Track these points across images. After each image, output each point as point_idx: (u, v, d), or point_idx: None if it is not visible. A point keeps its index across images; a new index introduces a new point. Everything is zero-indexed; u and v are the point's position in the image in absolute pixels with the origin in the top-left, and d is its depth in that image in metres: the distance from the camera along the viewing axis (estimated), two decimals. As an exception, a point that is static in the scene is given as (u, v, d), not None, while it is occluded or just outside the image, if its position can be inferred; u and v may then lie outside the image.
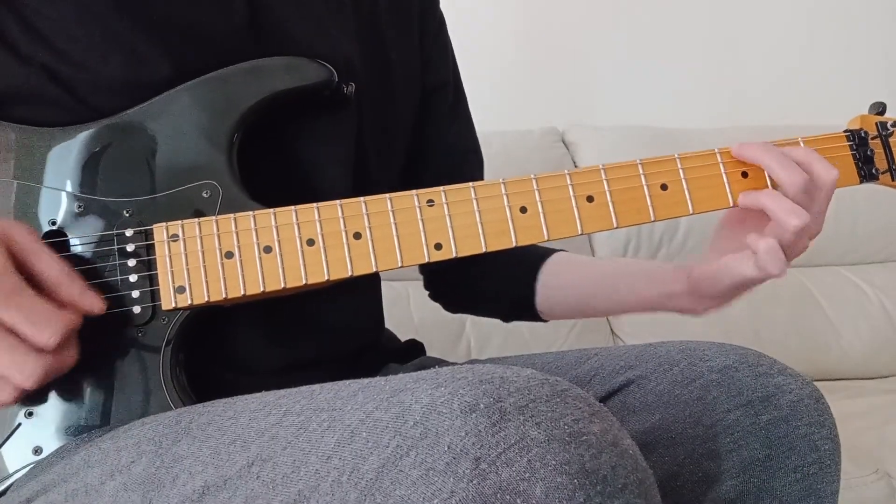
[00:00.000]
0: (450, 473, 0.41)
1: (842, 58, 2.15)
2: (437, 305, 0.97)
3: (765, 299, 1.75)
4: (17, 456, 0.59)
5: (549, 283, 0.85)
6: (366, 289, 0.78)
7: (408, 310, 1.53)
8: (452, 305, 0.97)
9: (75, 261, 0.60)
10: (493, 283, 0.86)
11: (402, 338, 0.88)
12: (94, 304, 0.57)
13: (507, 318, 0.94)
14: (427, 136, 0.86)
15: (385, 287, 0.84)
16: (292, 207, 0.62)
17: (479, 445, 0.41)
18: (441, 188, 0.64)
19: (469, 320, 1.63)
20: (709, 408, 0.63)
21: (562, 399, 0.44)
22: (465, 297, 0.93)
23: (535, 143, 1.80)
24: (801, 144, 0.71)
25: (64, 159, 0.62)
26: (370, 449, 0.44)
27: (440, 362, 0.82)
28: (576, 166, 1.81)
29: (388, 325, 0.87)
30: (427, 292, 0.97)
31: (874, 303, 1.80)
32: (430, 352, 0.88)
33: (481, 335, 1.62)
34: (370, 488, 0.43)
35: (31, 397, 0.59)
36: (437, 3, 0.89)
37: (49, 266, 0.56)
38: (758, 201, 0.68)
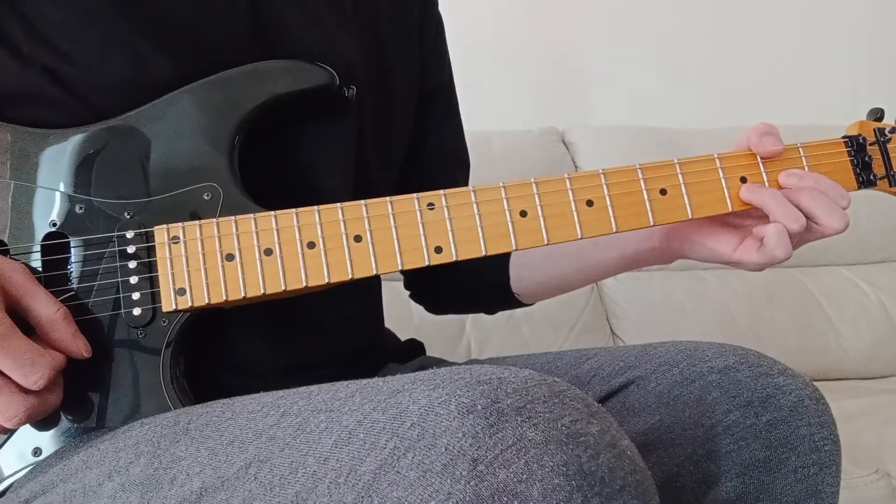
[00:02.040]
0: (447, 475, 0.41)
1: (841, 58, 2.15)
2: (437, 305, 0.98)
3: (765, 299, 1.76)
4: (17, 457, 0.59)
5: (520, 263, 0.85)
6: (366, 291, 0.78)
7: (408, 310, 1.53)
8: (434, 307, 0.97)
9: (76, 262, 0.61)
10: (468, 277, 0.86)
11: (402, 338, 0.88)
12: (84, 349, 0.58)
13: (490, 311, 0.94)
14: (416, 138, 0.86)
15: (385, 287, 0.84)
16: (293, 210, 0.63)
17: (477, 447, 0.41)
18: (441, 192, 0.64)
19: (469, 320, 1.63)
20: (709, 408, 0.63)
21: (559, 400, 0.44)
22: (443, 296, 0.93)
23: (535, 143, 1.80)
24: (801, 151, 0.72)
25: (65, 161, 0.62)
26: (367, 450, 0.45)
27: (440, 362, 0.82)
28: (576, 166, 1.81)
29: (388, 324, 0.87)
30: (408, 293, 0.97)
31: (874, 303, 1.80)
32: (430, 352, 0.88)
33: (481, 335, 1.63)
34: (367, 490, 0.43)
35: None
36: (436, 4, 0.89)
37: (45, 307, 0.56)
38: (762, 200, 0.68)
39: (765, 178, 0.70)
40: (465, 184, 0.91)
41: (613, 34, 2.06)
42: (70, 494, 0.56)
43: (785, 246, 0.67)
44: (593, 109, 2.02)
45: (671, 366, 0.66)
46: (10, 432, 0.58)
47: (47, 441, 0.60)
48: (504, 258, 0.85)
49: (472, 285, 0.87)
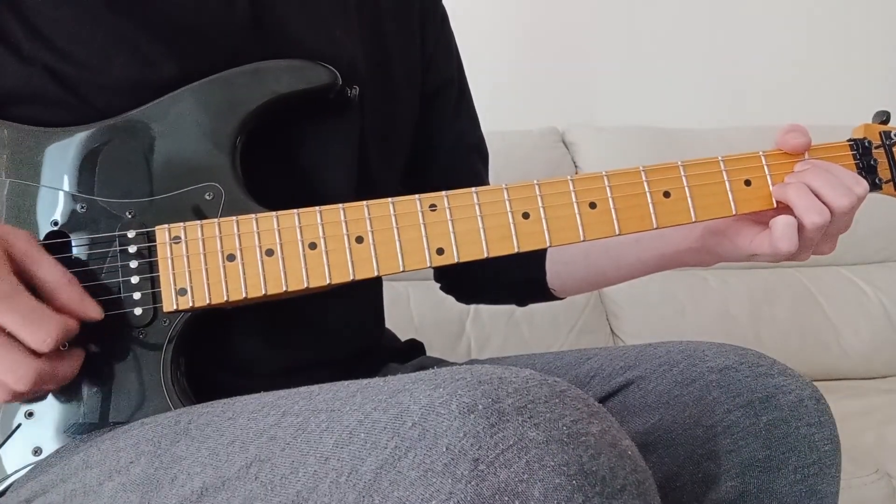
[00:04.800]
0: (448, 475, 0.41)
1: (843, 58, 2.15)
2: (437, 305, 0.97)
3: (765, 299, 1.76)
4: (17, 456, 0.59)
5: (558, 259, 0.85)
6: (367, 291, 0.78)
7: (408, 310, 1.53)
8: (466, 297, 0.97)
9: (77, 261, 0.61)
10: (504, 270, 0.85)
11: (402, 338, 0.88)
12: (93, 310, 0.57)
13: (522, 303, 0.94)
14: (432, 133, 0.86)
15: (385, 287, 0.85)
16: (294, 210, 0.63)
17: (478, 446, 0.41)
18: (443, 193, 0.64)
19: (469, 320, 1.63)
20: (709, 408, 0.63)
21: (560, 400, 0.44)
22: (477, 287, 0.93)
23: (535, 143, 1.80)
24: (805, 154, 0.71)
25: (66, 159, 0.62)
26: (368, 450, 0.45)
27: (440, 362, 0.82)
28: (576, 167, 1.81)
29: (388, 325, 0.87)
30: (438, 285, 0.97)
31: (874, 303, 1.80)
32: (430, 352, 0.88)
33: (481, 335, 1.63)
34: (368, 489, 0.43)
35: (31, 398, 0.59)
36: (439, 0, 0.89)
37: (49, 271, 0.56)
38: (785, 194, 0.68)
39: (769, 181, 0.70)
40: (487, 176, 0.91)
41: (614, 34, 2.06)
42: (70, 494, 0.56)
43: (789, 238, 0.66)
44: (593, 109, 2.02)
45: (671, 366, 0.66)
46: (22, 397, 0.56)
47: (48, 440, 0.60)
48: (541, 253, 0.85)
49: (508, 280, 0.87)
